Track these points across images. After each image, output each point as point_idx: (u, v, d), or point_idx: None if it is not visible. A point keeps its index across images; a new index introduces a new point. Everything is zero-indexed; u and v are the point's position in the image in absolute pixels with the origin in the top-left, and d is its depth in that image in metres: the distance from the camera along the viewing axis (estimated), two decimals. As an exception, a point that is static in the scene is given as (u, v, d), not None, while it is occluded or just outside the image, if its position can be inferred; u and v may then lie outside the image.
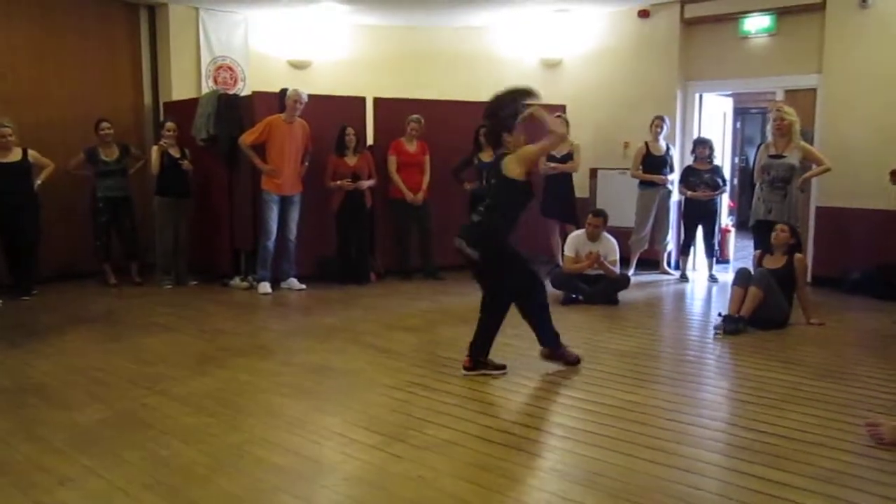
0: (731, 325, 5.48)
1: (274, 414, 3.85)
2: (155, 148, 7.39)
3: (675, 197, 8.13)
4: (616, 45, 8.77)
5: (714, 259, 7.99)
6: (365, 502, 2.90)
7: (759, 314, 5.55)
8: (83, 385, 4.30)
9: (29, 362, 4.77)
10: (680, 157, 8.25)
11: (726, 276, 7.61)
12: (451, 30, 9.52)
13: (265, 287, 7.08)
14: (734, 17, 8.06)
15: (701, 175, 7.72)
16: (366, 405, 3.97)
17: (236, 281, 7.42)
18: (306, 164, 7.25)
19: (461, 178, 7.74)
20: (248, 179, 7.41)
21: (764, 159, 6.64)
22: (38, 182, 6.93)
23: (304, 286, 7.24)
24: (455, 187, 7.70)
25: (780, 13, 7.77)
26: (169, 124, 7.39)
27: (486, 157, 7.03)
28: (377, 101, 7.98)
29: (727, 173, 8.57)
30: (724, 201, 8.65)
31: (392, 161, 7.68)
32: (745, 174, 11.47)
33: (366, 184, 7.45)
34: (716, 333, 5.48)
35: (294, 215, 7.20)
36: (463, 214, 5.89)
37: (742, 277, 5.75)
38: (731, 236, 9.13)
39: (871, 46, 7.14)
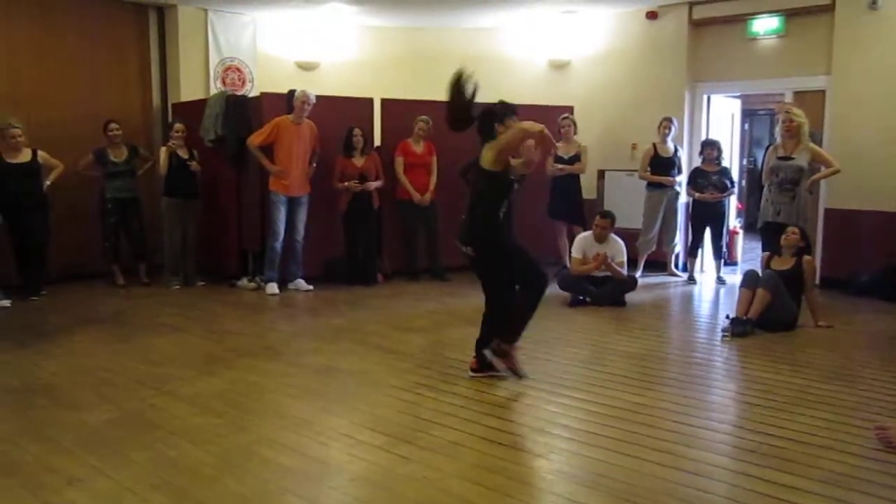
0: (739, 328, 5.46)
1: (281, 415, 3.86)
2: (163, 149, 7.42)
3: (683, 198, 8.11)
4: (624, 46, 8.75)
5: (722, 261, 7.96)
6: (371, 503, 2.91)
7: (767, 316, 5.53)
8: (91, 385, 4.32)
9: (37, 363, 4.80)
10: (688, 159, 8.23)
11: (734, 278, 7.58)
12: (459, 31, 9.52)
13: (272, 288, 7.09)
14: (742, 19, 8.03)
15: (709, 177, 7.71)
16: (373, 406, 3.98)
17: (244, 282, 7.44)
18: (314, 165, 7.26)
19: (469, 179, 7.70)
20: (255, 180, 7.43)
21: (772, 161, 6.61)
22: (48, 183, 6.96)
23: (311, 287, 7.25)
24: (463, 188, 7.63)
25: (789, 14, 7.75)
26: (177, 125, 7.43)
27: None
28: (385, 102, 8.00)
29: (735, 175, 8.55)
30: (733, 203, 8.63)
31: (399, 162, 7.69)
32: (753, 176, 11.44)
33: (373, 185, 7.46)
34: (723, 336, 5.46)
35: (302, 216, 7.21)
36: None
37: (750, 279, 5.73)
38: (740, 238, 9.10)
39: (880, 48, 7.11)
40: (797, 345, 5.32)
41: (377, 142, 7.95)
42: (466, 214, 4.42)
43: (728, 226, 8.27)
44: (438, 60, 9.45)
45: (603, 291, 6.59)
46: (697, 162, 8.01)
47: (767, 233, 6.54)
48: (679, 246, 8.24)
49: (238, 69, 8.88)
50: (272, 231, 7.09)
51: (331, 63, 9.44)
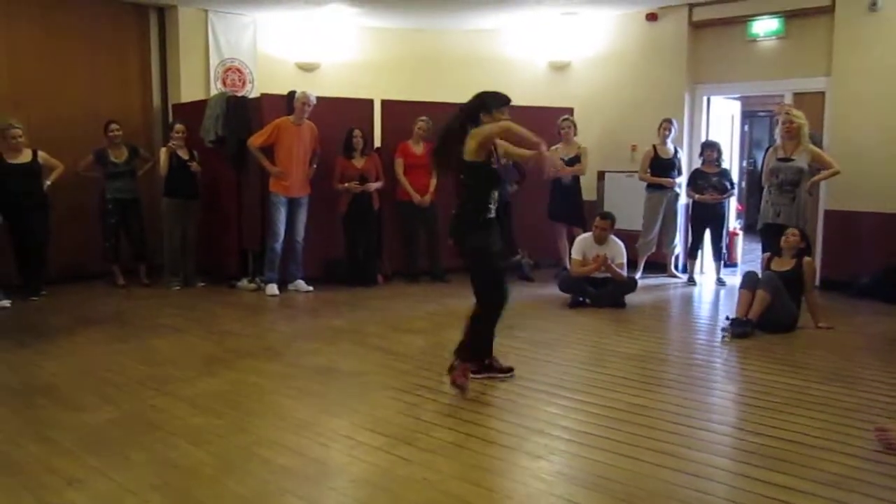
0: (739, 329, 5.46)
1: (281, 416, 3.86)
2: (163, 149, 7.43)
3: (683, 200, 8.11)
4: (624, 47, 8.76)
5: (722, 262, 7.96)
6: (371, 505, 2.91)
7: (766, 317, 5.54)
8: (92, 386, 4.32)
9: (38, 363, 4.80)
10: (688, 160, 8.23)
11: (734, 279, 7.58)
12: (460, 32, 9.52)
13: (272, 289, 7.10)
14: (742, 20, 8.03)
15: (709, 178, 7.71)
16: (373, 407, 3.98)
17: (244, 282, 7.44)
18: (314, 166, 7.27)
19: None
20: (255, 181, 7.43)
21: (772, 162, 6.62)
22: (48, 183, 6.97)
23: (311, 288, 7.25)
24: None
25: (789, 16, 7.75)
26: (177, 126, 7.43)
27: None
28: (385, 103, 8.00)
29: (735, 176, 8.55)
30: (732, 204, 8.63)
31: (399, 163, 7.69)
32: (752, 177, 11.44)
33: (373, 186, 7.47)
34: (723, 337, 5.47)
35: (302, 217, 7.21)
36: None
37: (750, 281, 5.73)
38: (739, 240, 9.11)
39: (880, 49, 7.11)
40: (797, 346, 5.32)
41: (377, 143, 7.96)
42: (456, 210, 4.37)
43: (728, 227, 8.28)
44: (439, 62, 9.51)
45: (603, 293, 6.60)
46: (697, 163, 8.02)
47: (767, 234, 6.55)
48: (679, 247, 8.25)
49: (238, 70, 8.89)
50: (272, 232, 7.09)
51: (331, 64, 9.45)
